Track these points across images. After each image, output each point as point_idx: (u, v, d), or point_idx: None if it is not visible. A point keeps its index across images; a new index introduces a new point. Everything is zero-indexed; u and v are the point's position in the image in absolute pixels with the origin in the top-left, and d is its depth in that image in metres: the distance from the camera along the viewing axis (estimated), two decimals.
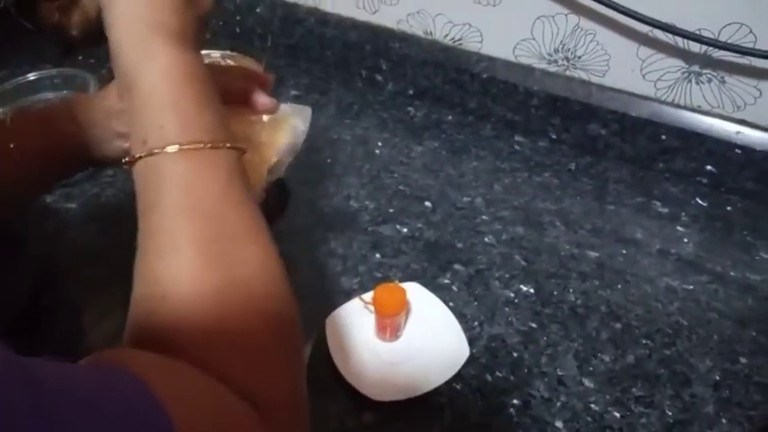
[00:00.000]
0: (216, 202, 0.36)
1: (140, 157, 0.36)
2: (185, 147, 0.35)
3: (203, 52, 0.46)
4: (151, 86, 0.37)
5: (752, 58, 0.71)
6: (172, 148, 0.35)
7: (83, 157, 0.54)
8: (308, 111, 0.69)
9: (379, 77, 0.98)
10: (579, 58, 0.83)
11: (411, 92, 0.97)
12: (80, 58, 1.01)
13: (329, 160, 0.84)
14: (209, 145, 0.36)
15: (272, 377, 0.33)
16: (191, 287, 0.33)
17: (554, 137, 0.89)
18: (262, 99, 0.57)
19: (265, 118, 0.62)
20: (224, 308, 0.33)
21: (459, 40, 0.90)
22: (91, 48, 1.00)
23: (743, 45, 0.70)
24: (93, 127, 0.53)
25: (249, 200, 0.38)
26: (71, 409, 0.22)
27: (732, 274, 0.71)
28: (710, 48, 0.73)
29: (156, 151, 0.35)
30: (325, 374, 0.58)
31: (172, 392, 0.26)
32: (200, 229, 0.35)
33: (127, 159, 0.38)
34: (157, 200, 0.36)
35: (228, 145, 0.38)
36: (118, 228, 0.73)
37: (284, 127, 0.66)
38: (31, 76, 0.88)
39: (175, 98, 0.37)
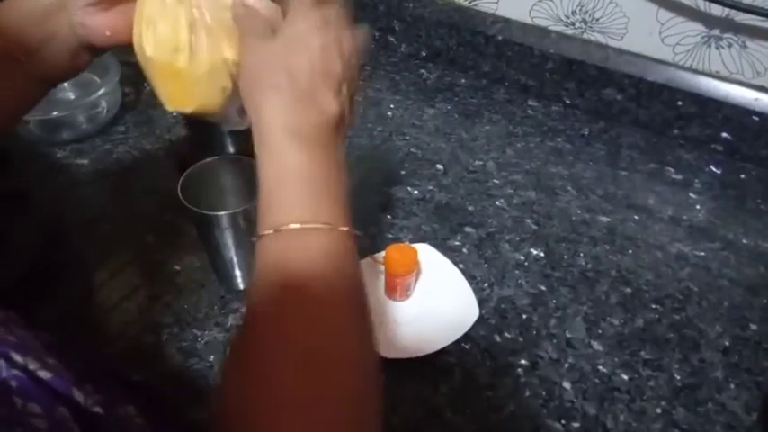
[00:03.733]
0: (341, 282, 0.38)
1: (265, 234, 0.38)
2: (306, 226, 0.38)
3: None
4: (279, 172, 0.40)
5: None
6: (293, 226, 0.37)
7: (62, 12, 0.48)
8: None
9: (392, 39, 0.97)
10: (597, 20, 0.81)
11: (424, 54, 0.95)
12: None
13: None
14: (326, 226, 0.38)
15: None
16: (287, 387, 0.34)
17: (568, 101, 0.88)
18: None
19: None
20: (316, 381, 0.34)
21: (474, 0, 0.88)
22: None
23: (767, 7, 0.68)
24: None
25: (354, 288, 0.39)
26: None
27: (744, 241, 0.70)
28: (732, 11, 0.71)
29: (281, 228, 0.38)
30: None
31: None
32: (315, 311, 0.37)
33: (255, 238, 0.40)
34: (278, 278, 0.37)
35: (343, 228, 0.39)
36: (129, 185, 0.74)
37: None
38: None
39: (303, 184, 0.40)
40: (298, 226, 0.38)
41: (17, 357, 0.30)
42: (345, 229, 0.39)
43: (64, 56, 0.49)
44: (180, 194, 0.53)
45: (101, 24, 0.47)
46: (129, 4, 0.46)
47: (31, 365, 0.30)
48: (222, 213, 0.53)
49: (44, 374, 0.30)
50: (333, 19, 0.42)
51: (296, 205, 0.39)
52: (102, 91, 0.77)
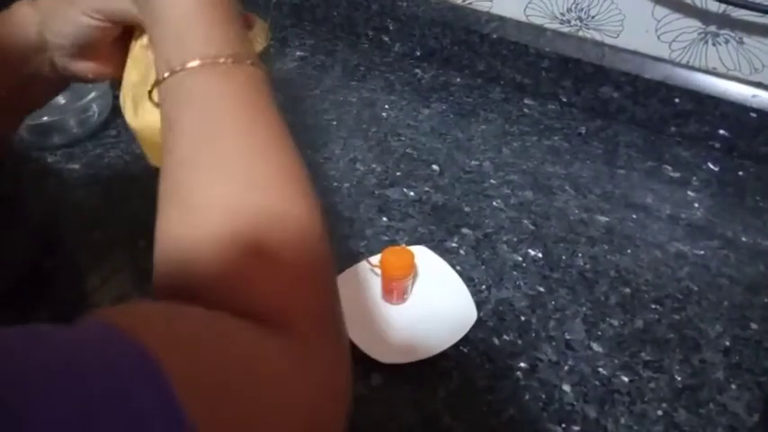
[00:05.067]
0: (242, 117, 0.35)
1: (164, 79, 0.35)
2: (207, 61, 0.35)
3: None
4: (177, 8, 0.36)
5: None
6: (194, 63, 0.35)
7: (45, 48, 0.47)
8: (264, 26, 0.62)
9: (386, 38, 0.96)
10: (593, 17, 0.80)
11: (419, 53, 0.95)
12: None
13: (335, 123, 0.83)
14: (231, 59, 0.35)
15: (297, 293, 0.31)
16: (214, 201, 0.32)
17: (564, 100, 0.87)
18: None
19: None
20: (242, 219, 0.32)
21: None
22: None
23: (764, 3, 0.68)
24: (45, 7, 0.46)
25: (276, 122, 0.37)
26: (41, 376, 0.20)
27: (743, 239, 0.70)
28: (729, 6, 0.70)
29: (177, 68, 0.35)
30: None
31: (164, 338, 0.25)
32: (225, 144, 0.34)
33: (152, 85, 0.37)
34: (179, 118, 0.35)
35: (250, 62, 0.37)
36: (121, 189, 0.73)
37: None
38: None
39: (200, 17, 0.36)
40: (222, 59, 0.35)
41: None
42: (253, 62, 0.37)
43: (47, 89, 0.49)
44: None
45: (83, 68, 0.47)
46: (111, 46, 0.46)
47: None
48: None
49: None
50: None
51: (210, 37, 0.36)
52: (92, 95, 0.76)
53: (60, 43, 0.45)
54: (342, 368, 0.32)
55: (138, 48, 0.46)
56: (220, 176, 0.33)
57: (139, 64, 0.46)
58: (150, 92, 0.40)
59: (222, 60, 0.35)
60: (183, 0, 0.36)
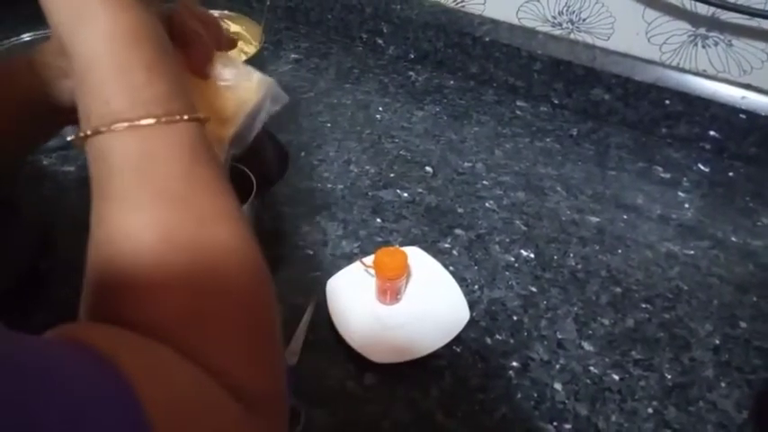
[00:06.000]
0: (178, 183, 0.31)
1: (87, 136, 0.31)
2: (135, 123, 0.31)
3: None
4: (92, 53, 0.32)
5: (761, 20, 0.70)
6: (119, 126, 0.30)
7: (45, 105, 0.47)
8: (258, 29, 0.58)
9: (379, 41, 0.97)
10: (584, 20, 0.81)
11: (412, 56, 0.95)
12: None
13: (329, 125, 0.83)
14: (164, 119, 0.31)
15: (251, 362, 0.31)
16: (156, 275, 0.29)
17: (556, 102, 0.88)
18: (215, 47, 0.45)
19: (222, 81, 0.49)
20: (195, 290, 0.30)
21: (461, 2, 0.88)
22: None
23: (753, 6, 0.68)
24: (45, 68, 0.46)
25: (216, 178, 0.33)
26: (23, 387, 0.20)
27: (733, 239, 0.70)
28: (718, 9, 0.71)
29: (102, 129, 0.31)
30: (326, 337, 0.59)
31: (145, 373, 0.24)
32: (161, 214, 0.30)
33: (73, 138, 0.33)
34: (110, 185, 0.31)
35: (186, 117, 0.32)
36: None
37: (245, 88, 0.51)
38: (26, 37, 0.86)
39: (120, 66, 0.32)
40: (152, 121, 0.31)
41: None
42: (192, 116, 0.33)
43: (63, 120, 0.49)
44: None
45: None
46: None
47: None
48: None
49: None
50: None
51: (137, 93, 0.32)
52: None
53: (55, 102, 0.46)
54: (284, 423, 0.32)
55: None
56: (164, 249, 0.30)
57: None
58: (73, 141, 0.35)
59: (152, 122, 0.31)
60: (101, 46, 0.32)
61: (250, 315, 0.32)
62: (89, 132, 0.31)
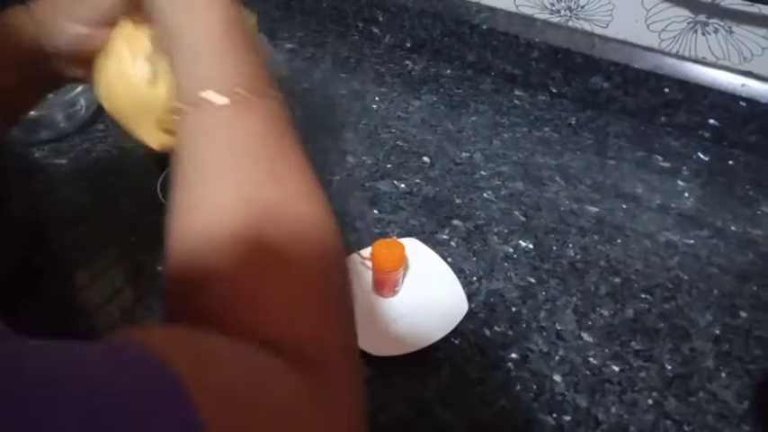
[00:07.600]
0: (273, 161, 0.35)
1: (181, 109, 0.35)
2: (227, 96, 0.34)
3: None
4: (203, 38, 0.37)
5: (762, 6, 0.69)
6: (213, 98, 0.34)
7: (47, 56, 0.47)
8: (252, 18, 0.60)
9: (375, 30, 0.96)
10: (582, 7, 0.80)
11: (409, 45, 0.94)
12: None
13: (325, 115, 0.82)
14: (251, 94, 0.35)
15: (319, 322, 0.32)
16: (247, 249, 0.31)
17: (554, 90, 0.87)
18: None
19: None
20: (282, 263, 0.31)
21: None
22: None
23: None
24: (48, 16, 0.46)
25: (302, 154, 0.37)
26: (54, 398, 0.19)
27: (733, 228, 0.70)
28: None
29: (197, 101, 0.34)
30: None
31: (196, 370, 0.24)
32: (256, 189, 0.33)
33: (173, 111, 0.36)
34: (195, 152, 0.34)
35: (275, 95, 0.37)
36: (109, 184, 0.72)
37: None
38: None
39: (223, 48, 0.36)
40: (242, 95, 0.35)
41: None
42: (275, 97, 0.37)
43: (45, 88, 0.51)
44: (159, 193, 0.52)
45: (80, 72, 0.48)
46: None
47: None
48: None
49: None
50: None
51: (232, 70, 0.36)
52: (79, 88, 0.75)
53: (56, 51, 0.45)
54: (359, 398, 0.32)
55: (120, 30, 0.45)
56: (252, 188, 0.33)
57: (120, 47, 0.45)
58: (162, 119, 0.40)
59: (242, 95, 0.35)
60: (206, 30, 0.37)
61: (321, 268, 0.33)
62: (184, 107, 0.35)
